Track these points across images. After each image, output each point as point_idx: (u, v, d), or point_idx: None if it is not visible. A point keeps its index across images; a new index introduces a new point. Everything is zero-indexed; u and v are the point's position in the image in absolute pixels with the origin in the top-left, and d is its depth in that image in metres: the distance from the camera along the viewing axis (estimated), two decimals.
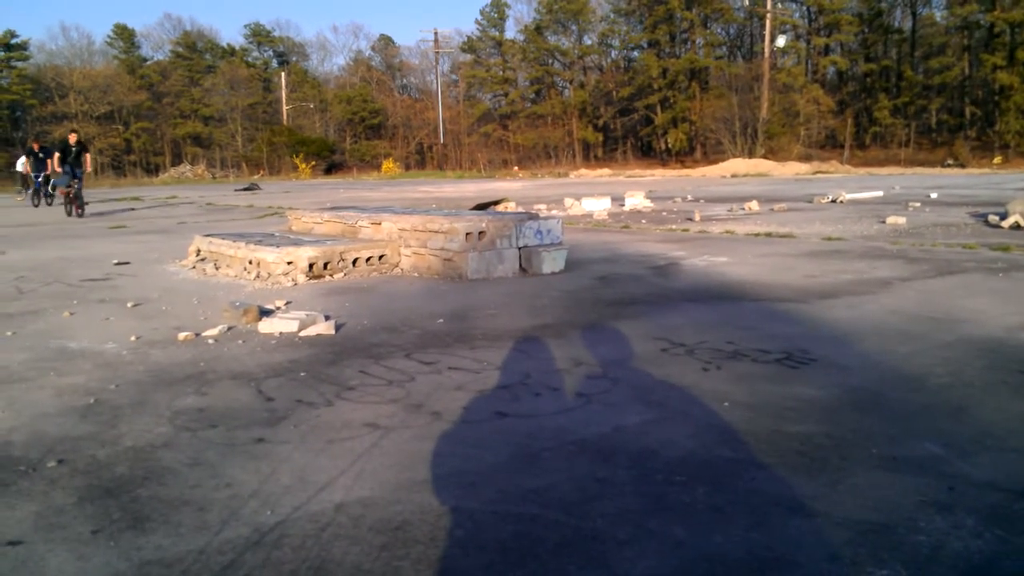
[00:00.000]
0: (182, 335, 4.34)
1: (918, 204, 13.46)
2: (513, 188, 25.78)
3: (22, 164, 22.90)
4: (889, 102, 52.24)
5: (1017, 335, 3.95)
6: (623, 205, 14.78)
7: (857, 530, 1.95)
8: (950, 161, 42.47)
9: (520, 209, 13.07)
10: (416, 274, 6.68)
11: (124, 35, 68.72)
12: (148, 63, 70.43)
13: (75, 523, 2.10)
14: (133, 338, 4.36)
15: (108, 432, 2.82)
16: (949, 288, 5.36)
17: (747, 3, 54.83)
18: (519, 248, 6.64)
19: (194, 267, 7.28)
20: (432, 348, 4.00)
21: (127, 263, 7.77)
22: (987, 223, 9.64)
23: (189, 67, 67.76)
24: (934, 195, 15.84)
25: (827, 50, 56.31)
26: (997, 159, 42.82)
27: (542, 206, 14.97)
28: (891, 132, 52.28)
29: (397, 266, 6.88)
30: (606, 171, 46.15)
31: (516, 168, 56.33)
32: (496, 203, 14.68)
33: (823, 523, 2.00)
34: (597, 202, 14.21)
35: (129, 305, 5.41)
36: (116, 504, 2.20)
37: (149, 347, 4.16)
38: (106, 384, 3.44)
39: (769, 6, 50.27)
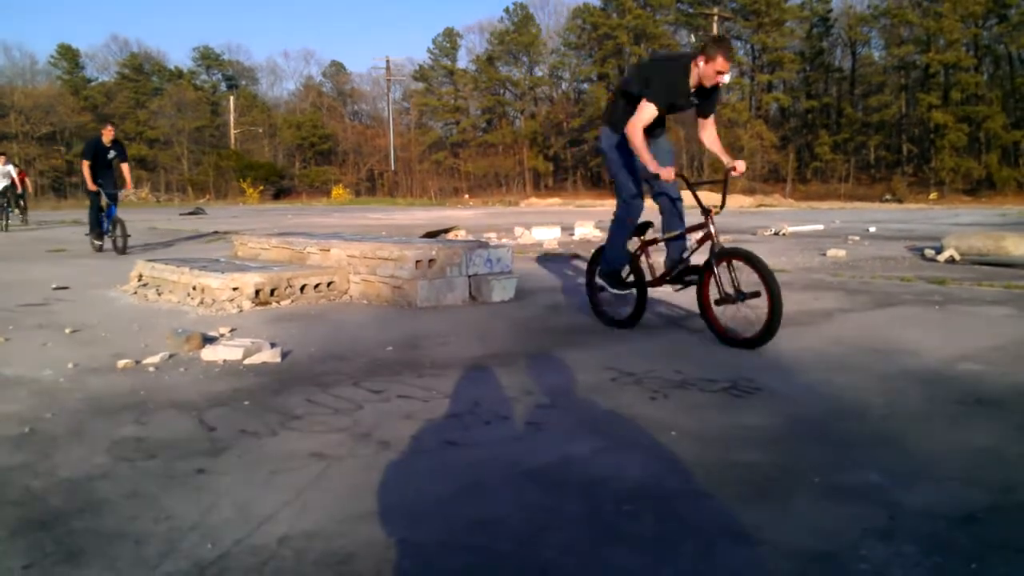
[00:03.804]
0: (122, 363, 4.23)
1: (857, 237, 13.82)
2: (464, 216, 25.82)
3: None
4: (830, 138, 53.84)
5: (953, 367, 4.06)
6: (573, 235, 14.89)
7: (802, 559, 1.98)
8: (888, 196, 43.84)
9: (470, 237, 13.08)
10: (365, 301, 6.63)
11: (68, 55, 67.53)
12: (93, 84, 69.22)
13: (6, 557, 2.01)
14: (71, 365, 4.23)
15: (43, 462, 2.72)
16: (888, 320, 5.50)
17: (693, 40, 56.15)
18: (469, 276, 6.64)
19: (135, 292, 7.11)
20: (381, 376, 3.96)
21: (66, 288, 7.56)
22: (923, 257, 9.94)
23: (135, 89, 66.76)
24: (872, 229, 16.29)
25: (770, 87, 57.95)
26: (933, 195, 44.35)
27: (492, 234, 15.00)
28: (831, 167, 53.82)
29: (346, 293, 6.82)
30: (556, 200, 46.52)
31: (467, 196, 56.48)
32: (447, 231, 14.68)
33: (769, 552, 2.02)
34: (547, 231, 14.29)
35: (67, 331, 5.26)
36: (50, 537, 2.12)
37: (87, 375, 4.04)
38: (42, 412, 3.33)
39: None
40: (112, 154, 11.75)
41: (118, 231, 11.36)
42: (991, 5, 46.85)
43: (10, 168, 19.90)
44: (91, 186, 11.39)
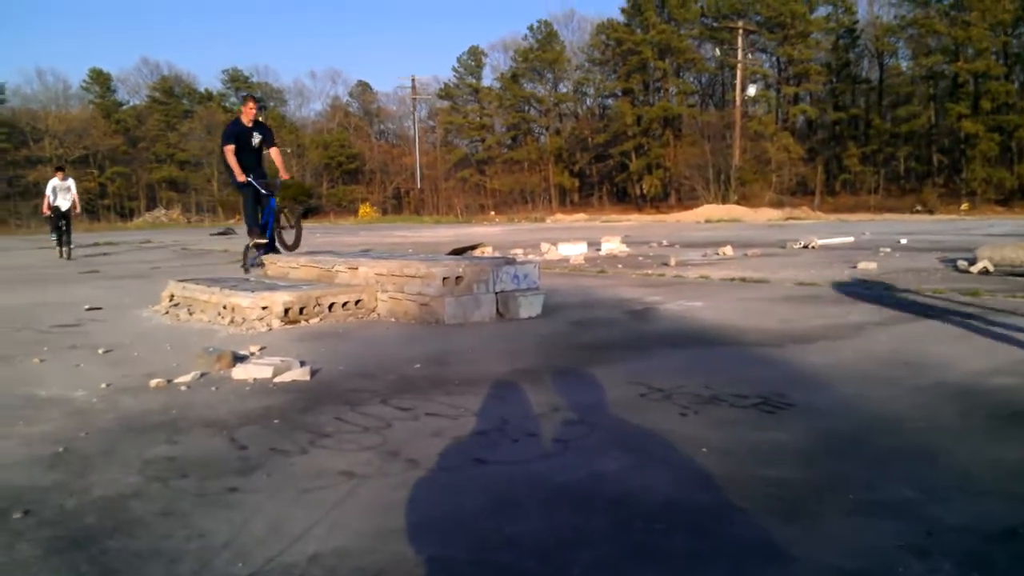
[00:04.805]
0: (154, 382, 4.28)
1: (888, 250, 13.67)
2: (490, 233, 25.88)
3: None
4: (858, 150, 53.37)
5: (987, 380, 3.99)
6: (599, 250, 14.87)
7: None
8: (919, 207, 43.31)
9: (497, 254, 13.11)
10: (393, 319, 6.66)
11: (100, 79, 68.81)
12: (124, 107, 70.46)
13: None
14: (104, 385, 4.29)
15: (77, 482, 2.76)
16: (921, 333, 5.42)
17: (718, 54, 56.09)
18: (496, 293, 6.65)
19: (167, 312, 7.21)
20: (409, 394, 3.97)
21: (99, 308, 7.68)
22: (956, 268, 9.80)
23: (166, 112, 67.83)
24: (904, 241, 16.10)
25: (797, 99, 57.60)
26: (964, 205, 43.76)
27: (519, 251, 15.02)
28: (860, 179, 53.31)
29: (374, 311, 6.86)
30: (582, 216, 46.52)
31: (493, 213, 56.65)
32: (473, 248, 14.72)
33: (801, 569, 1.99)
34: (574, 247, 14.29)
35: (100, 351, 5.33)
36: (84, 556, 2.15)
37: (120, 394, 4.09)
38: (75, 432, 3.38)
39: (740, 56, 51.41)
40: (257, 138, 9.38)
41: (287, 216, 9.49)
42: (1020, 13, 46.30)
43: (70, 183, 17.06)
44: (240, 176, 9.12)
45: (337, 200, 63.98)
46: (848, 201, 49.62)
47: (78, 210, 17.08)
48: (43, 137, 59.67)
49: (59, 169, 17.78)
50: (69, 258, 16.25)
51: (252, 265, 9.65)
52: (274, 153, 9.48)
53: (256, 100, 9.40)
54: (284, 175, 9.50)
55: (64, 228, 16.71)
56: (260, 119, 9.41)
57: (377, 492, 2.60)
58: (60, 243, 16.76)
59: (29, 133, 59.72)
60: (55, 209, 16.69)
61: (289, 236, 9.36)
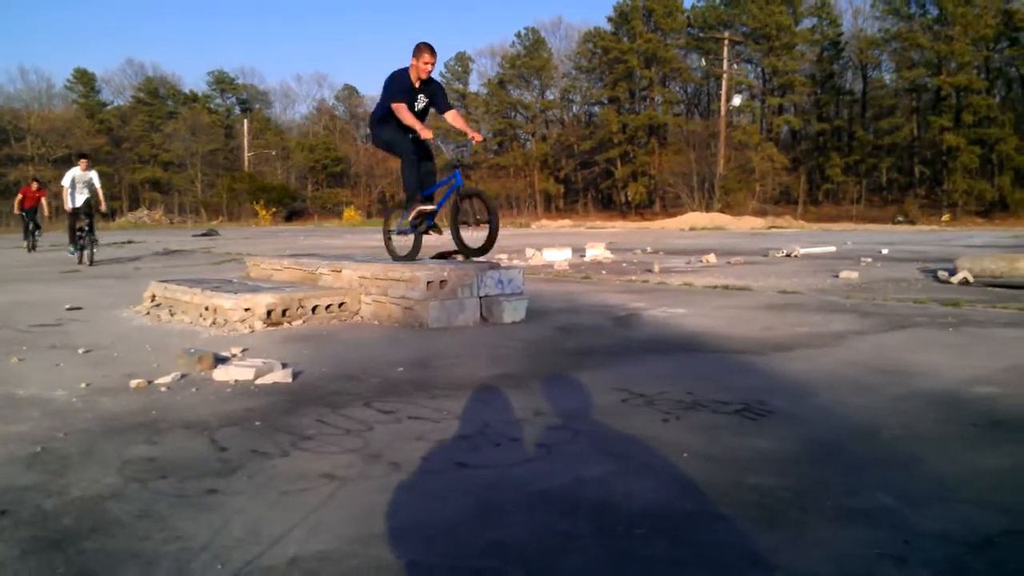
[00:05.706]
0: (134, 382, 4.24)
1: (870, 259, 13.77)
2: (475, 238, 25.83)
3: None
4: (841, 160, 53.84)
5: (968, 389, 4.03)
6: (584, 256, 14.90)
7: None
8: (900, 218, 43.71)
9: (482, 258, 13.09)
10: (376, 322, 6.64)
11: (84, 79, 68.39)
12: (108, 108, 70.06)
13: None
14: (83, 385, 4.25)
15: (55, 482, 2.72)
16: (901, 342, 5.46)
17: (704, 64, 56.44)
18: (480, 297, 6.64)
19: (148, 313, 7.15)
20: (392, 397, 3.96)
21: (80, 308, 7.61)
22: (937, 279, 9.89)
23: (150, 113, 67.49)
24: (885, 251, 16.23)
25: (781, 110, 58.04)
26: (946, 216, 44.22)
27: (503, 256, 15.02)
28: (843, 189, 53.79)
29: (357, 314, 6.83)
30: (567, 222, 46.62)
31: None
32: (458, 252, 14.69)
33: None
34: (558, 253, 14.32)
35: (80, 351, 5.28)
36: (61, 557, 2.12)
37: (100, 394, 4.05)
38: (54, 432, 3.34)
39: (725, 67, 51.75)
40: (423, 103, 7.14)
41: (475, 205, 7.11)
42: (1002, 28, 46.90)
43: (92, 176, 14.30)
44: (424, 132, 7.00)
45: (322, 203, 63.83)
46: (831, 211, 50.02)
47: (104, 207, 14.61)
48: (25, 136, 59.15)
49: (82, 156, 14.81)
50: (91, 263, 13.79)
51: (407, 231, 7.53)
52: (451, 117, 7.22)
53: (434, 52, 6.87)
54: (476, 135, 7.22)
55: (87, 228, 14.00)
56: (433, 79, 7.10)
57: (358, 495, 2.59)
58: (79, 246, 14.17)
59: (11, 132, 59.17)
60: (76, 206, 14.13)
61: (477, 235, 7.11)
